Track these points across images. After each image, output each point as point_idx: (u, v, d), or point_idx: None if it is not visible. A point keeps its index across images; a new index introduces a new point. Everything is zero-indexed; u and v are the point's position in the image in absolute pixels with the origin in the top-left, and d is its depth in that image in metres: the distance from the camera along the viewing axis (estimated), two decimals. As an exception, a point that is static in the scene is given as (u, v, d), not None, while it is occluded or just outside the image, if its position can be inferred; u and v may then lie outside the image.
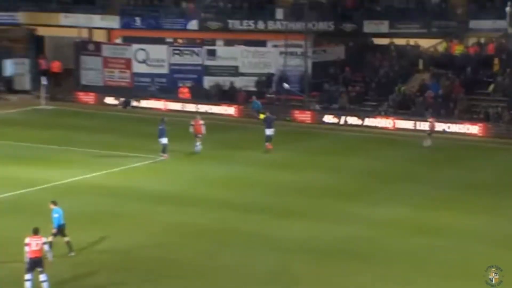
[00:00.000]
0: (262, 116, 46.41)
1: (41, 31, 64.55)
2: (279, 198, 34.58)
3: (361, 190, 36.28)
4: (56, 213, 26.36)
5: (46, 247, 24.17)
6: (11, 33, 63.53)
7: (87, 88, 60.32)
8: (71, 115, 54.02)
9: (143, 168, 39.59)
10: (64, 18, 62.23)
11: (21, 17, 63.19)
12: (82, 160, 40.58)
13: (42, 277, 23.27)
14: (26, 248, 23.27)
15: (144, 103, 57.64)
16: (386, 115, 52.15)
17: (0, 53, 61.58)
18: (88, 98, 59.24)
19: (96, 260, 26.55)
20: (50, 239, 25.40)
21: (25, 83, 62.11)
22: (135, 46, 60.26)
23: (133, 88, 59.93)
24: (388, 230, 30.27)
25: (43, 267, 23.35)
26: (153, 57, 59.80)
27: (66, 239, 26.48)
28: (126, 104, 57.87)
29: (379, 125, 51.52)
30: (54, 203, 26.72)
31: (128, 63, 60.32)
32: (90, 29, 63.75)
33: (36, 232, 23.54)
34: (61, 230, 26.39)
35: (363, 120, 52.06)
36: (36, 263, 23.14)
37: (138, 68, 60.04)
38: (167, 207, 32.62)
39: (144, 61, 60.08)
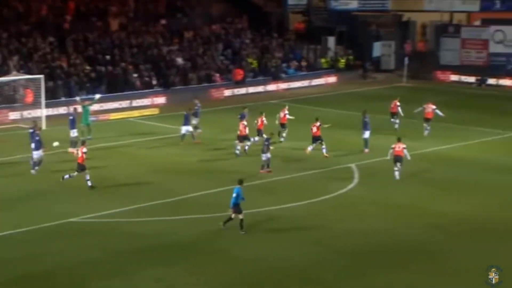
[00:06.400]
0: None
1: (407, 16, 70.77)
2: None
3: None
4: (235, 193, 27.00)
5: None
6: (380, 18, 70.64)
7: (444, 68, 65.20)
8: (427, 91, 56.85)
9: (496, 142, 42.16)
10: (428, 4, 67.78)
11: (390, 4, 70.18)
12: (436, 133, 42.98)
13: None
14: None
15: (501, 82, 61.70)
16: None
17: (370, 37, 68.83)
18: (445, 76, 64.40)
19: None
20: None
21: (390, 63, 68.87)
22: (493, 28, 63.84)
23: (488, 67, 63.71)
24: None
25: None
26: (511, 38, 63.01)
27: None
28: (482, 82, 62.17)
29: None
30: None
31: (484, 44, 64.25)
32: (451, 13, 68.36)
33: None
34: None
35: None
36: None
37: (494, 48, 63.74)
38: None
39: (501, 42, 63.53)
